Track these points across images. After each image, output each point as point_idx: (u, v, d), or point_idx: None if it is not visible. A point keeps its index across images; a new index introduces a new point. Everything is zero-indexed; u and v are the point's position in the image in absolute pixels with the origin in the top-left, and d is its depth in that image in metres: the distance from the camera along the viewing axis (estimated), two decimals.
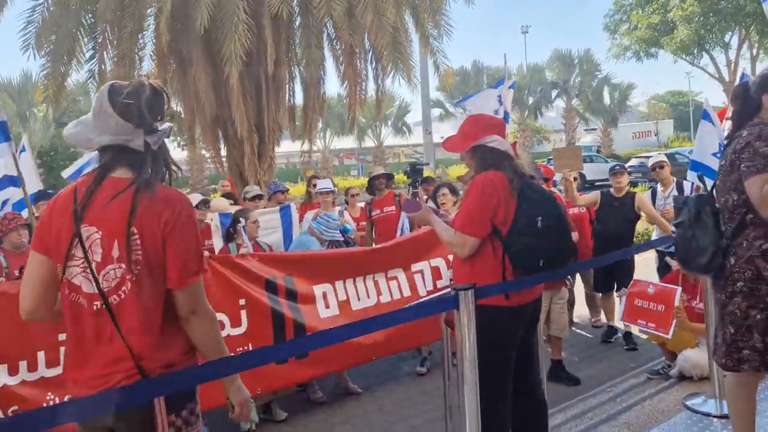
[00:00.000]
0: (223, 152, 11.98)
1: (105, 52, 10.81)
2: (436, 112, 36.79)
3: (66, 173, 8.28)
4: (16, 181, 6.43)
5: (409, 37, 11.42)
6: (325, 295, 5.32)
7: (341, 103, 34.49)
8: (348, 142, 40.06)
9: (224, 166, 12.12)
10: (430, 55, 11.75)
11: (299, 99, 12.81)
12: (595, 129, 44.24)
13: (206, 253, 4.86)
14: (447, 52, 12.56)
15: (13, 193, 6.57)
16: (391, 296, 5.64)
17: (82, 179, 2.10)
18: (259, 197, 7.22)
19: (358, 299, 5.48)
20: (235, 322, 4.83)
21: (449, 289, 3.39)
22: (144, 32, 10.93)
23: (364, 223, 7.49)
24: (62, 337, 3.97)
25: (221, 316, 4.73)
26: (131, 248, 1.97)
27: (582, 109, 42.28)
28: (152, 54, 11.22)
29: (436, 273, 5.92)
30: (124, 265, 1.98)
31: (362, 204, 7.84)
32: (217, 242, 6.10)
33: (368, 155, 42.14)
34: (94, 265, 1.98)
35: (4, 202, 6.72)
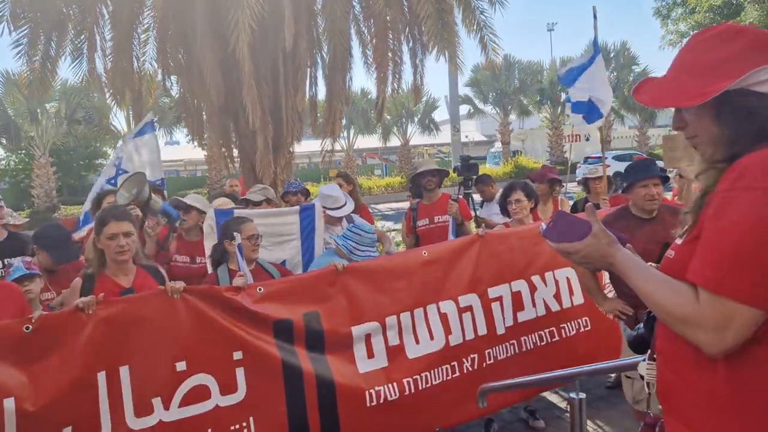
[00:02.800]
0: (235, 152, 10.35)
1: (96, 26, 9.18)
2: (464, 109, 34.86)
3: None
4: None
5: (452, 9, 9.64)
6: (368, 339, 3.60)
7: (366, 99, 32.91)
8: (371, 141, 38.27)
9: (236, 163, 10.46)
10: (476, 30, 9.94)
11: (320, 94, 11.19)
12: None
13: (178, 283, 3.16)
14: (471, 45, 10.80)
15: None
16: (463, 336, 3.90)
17: None
18: (259, 204, 5.44)
19: (417, 342, 3.75)
20: (227, 387, 3.14)
21: None
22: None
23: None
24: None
25: (205, 378, 3.06)
26: None
27: (617, 106, 40.03)
28: (153, 25, 9.57)
29: (517, 301, 4.17)
30: None
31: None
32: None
33: (392, 155, 40.34)
34: None
35: None
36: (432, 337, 3.81)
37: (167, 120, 30.04)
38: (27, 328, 2.74)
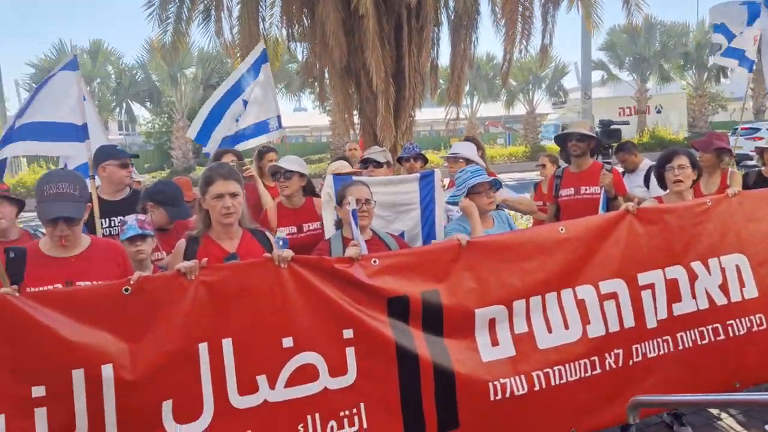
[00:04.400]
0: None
1: None
2: (596, 75, 32.59)
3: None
4: (80, 133, 4.82)
5: None
6: (492, 324, 3.16)
7: (490, 65, 31.71)
8: (494, 109, 36.96)
9: (356, 127, 10.24)
10: None
11: (442, 58, 10.63)
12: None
13: (286, 252, 2.88)
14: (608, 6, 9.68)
15: (78, 150, 4.95)
16: (606, 328, 3.35)
17: None
18: (380, 165, 4.97)
19: (549, 331, 3.25)
20: (337, 368, 2.84)
21: None
22: None
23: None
24: None
25: (313, 357, 2.77)
26: None
27: None
28: None
29: (673, 290, 3.53)
30: None
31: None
32: (330, 221, 3.98)
33: (516, 123, 38.82)
34: None
35: (66, 164, 5.23)
36: (567, 326, 3.30)
37: (294, 86, 30.74)
38: (126, 290, 2.57)
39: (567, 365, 3.21)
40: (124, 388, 2.48)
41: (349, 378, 2.85)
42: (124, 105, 31.13)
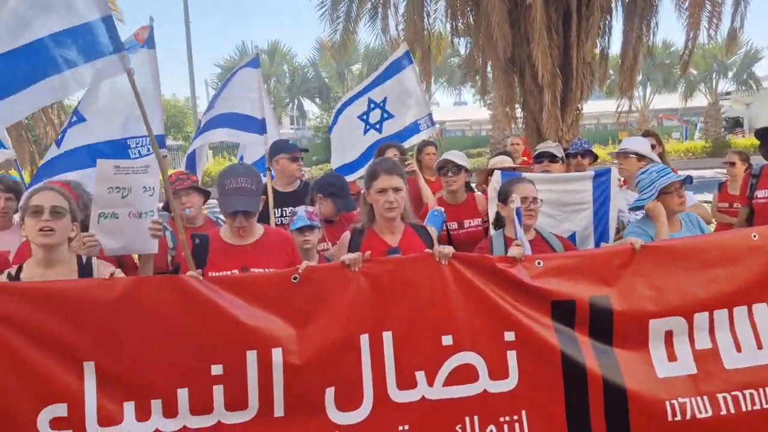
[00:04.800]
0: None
1: None
2: None
3: None
4: (259, 126, 5.15)
5: None
6: (669, 337, 2.88)
7: (667, 52, 29.27)
8: (668, 101, 34.07)
9: (518, 121, 9.98)
10: None
11: (612, 47, 9.96)
12: None
13: (447, 249, 2.84)
14: None
15: (256, 142, 5.28)
16: None
17: None
18: (556, 160, 4.68)
19: (738, 350, 2.90)
20: (498, 371, 2.75)
21: None
22: None
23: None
24: None
25: (472, 358, 2.71)
26: None
27: None
28: None
29: None
30: None
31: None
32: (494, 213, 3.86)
33: (694, 115, 35.50)
34: None
35: (242, 157, 5.63)
36: (760, 346, 2.91)
37: (455, 80, 30.76)
38: (294, 279, 2.69)
39: (761, 390, 2.83)
40: (291, 372, 2.59)
41: (510, 382, 2.74)
42: (296, 101, 33.27)
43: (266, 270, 2.94)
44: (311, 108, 36.15)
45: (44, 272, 2.67)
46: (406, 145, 6.11)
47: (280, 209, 4.42)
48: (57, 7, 2.91)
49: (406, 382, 2.68)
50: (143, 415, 2.50)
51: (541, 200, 3.40)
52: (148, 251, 3.37)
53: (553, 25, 8.39)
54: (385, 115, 6.17)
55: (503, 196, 3.37)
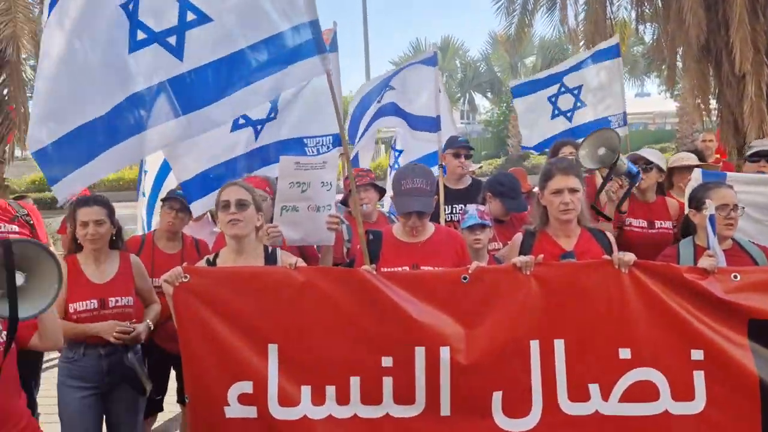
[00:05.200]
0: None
1: None
2: None
3: None
4: (432, 124, 5.21)
5: None
6: None
7: None
8: None
9: (712, 116, 9.06)
10: None
11: None
12: None
13: (628, 256, 2.65)
14: None
15: (429, 140, 5.35)
16: None
17: None
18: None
19: None
20: (682, 392, 2.55)
21: None
22: None
23: None
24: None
25: (653, 375, 2.57)
26: None
27: None
28: None
29: None
30: None
31: None
32: None
33: None
34: None
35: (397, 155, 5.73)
36: None
37: (638, 70, 28.81)
38: (464, 278, 2.68)
39: None
40: (458, 372, 2.60)
41: (696, 405, 2.52)
42: (467, 96, 33.22)
43: (436, 268, 2.97)
44: (482, 102, 35.95)
45: (236, 259, 2.92)
46: None
47: (450, 206, 4.43)
48: (268, 13, 3.09)
49: (578, 393, 2.57)
50: (318, 399, 2.64)
51: (743, 207, 3.03)
52: (325, 243, 3.54)
53: (760, 7, 7.48)
54: (578, 104, 5.93)
55: (696, 202, 3.06)
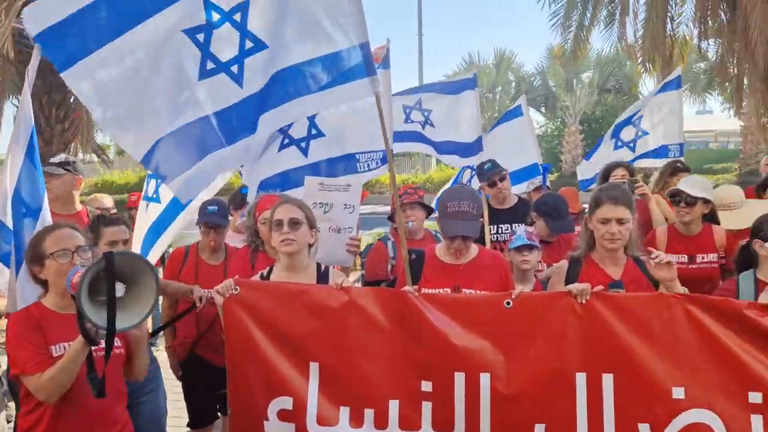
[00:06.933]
0: None
1: None
2: None
3: None
4: (473, 147, 5.32)
5: None
6: None
7: None
8: None
9: None
10: None
11: None
12: None
13: (680, 289, 2.53)
14: None
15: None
16: None
17: None
18: None
19: None
20: None
21: None
22: None
23: None
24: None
25: (708, 417, 2.42)
26: None
27: None
28: None
29: None
30: None
31: None
32: None
33: None
34: None
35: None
36: None
37: (699, 86, 27.90)
38: (508, 303, 2.60)
39: None
40: (498, 400, 2.51)
41: None
42: None
43: (478, 291, 2.90)
44: (536, 117, 35.42)
45: (288, 276, 2.92)
46: (645, 164, 5.86)
47: (495, 226, 4.37)
48: (321, 34, 3.16)
49: None
50: (357, 422, 2.60)
51: None
52: (343, 264, 3.55)
53: None
54: (640, 133, 5.99)
55: (758, 231, 2.90)
